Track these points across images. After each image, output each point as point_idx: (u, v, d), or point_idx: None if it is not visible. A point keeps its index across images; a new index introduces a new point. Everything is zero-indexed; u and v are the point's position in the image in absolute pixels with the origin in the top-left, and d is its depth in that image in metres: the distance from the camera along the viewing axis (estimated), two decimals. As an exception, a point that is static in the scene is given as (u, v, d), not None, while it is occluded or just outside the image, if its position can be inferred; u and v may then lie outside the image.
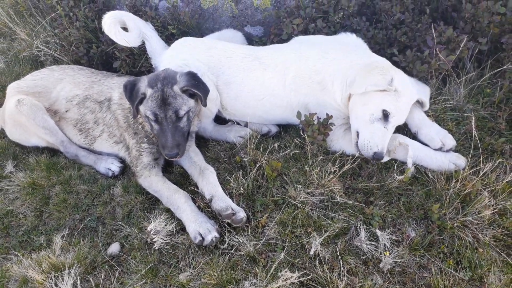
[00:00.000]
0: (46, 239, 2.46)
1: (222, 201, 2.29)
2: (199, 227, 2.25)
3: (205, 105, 2.48)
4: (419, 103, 2.50)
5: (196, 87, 2.44)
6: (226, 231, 2.28)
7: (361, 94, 2.37)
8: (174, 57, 2.71)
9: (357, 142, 2.40)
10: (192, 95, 2.48)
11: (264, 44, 2.98)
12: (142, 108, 2.47)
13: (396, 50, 2.72)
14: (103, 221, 2.53)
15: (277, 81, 2.58)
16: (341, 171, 2.36)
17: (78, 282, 2.15)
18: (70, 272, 2.19)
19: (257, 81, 2.61)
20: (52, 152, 2.90)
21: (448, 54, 2.49)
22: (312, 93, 2.54)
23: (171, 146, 2.41)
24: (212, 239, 2.21)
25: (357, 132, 2.40)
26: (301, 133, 2.58)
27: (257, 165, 2.44)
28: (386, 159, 2.44)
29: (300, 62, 2.53)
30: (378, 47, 2.77)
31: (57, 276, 2.18)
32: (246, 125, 2.85)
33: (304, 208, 2.30)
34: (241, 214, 2.26)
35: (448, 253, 2.13)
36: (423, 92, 2.51)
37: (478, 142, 2.36)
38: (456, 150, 2.45)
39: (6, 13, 3.53)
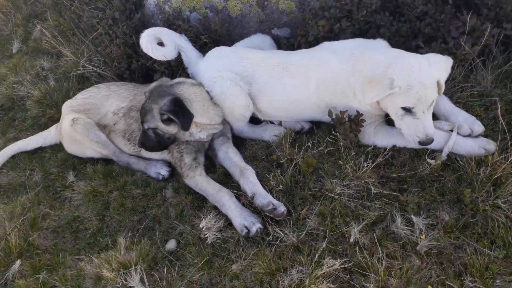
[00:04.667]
0: (111, 240, 2.75)
1: (263, 198, 2.50)
2: (244, 221, 2.48)
3: (185, 129, 2.71)
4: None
5: (175, 114, 2.65)
6: (270, 224, 2.49)
7: (381, 100, 2.49)
8: (209, 68, 2.92)
9: None
10: (170, 119, 2.70)
11: (292, 45, 3.13)
12: None
13: (421, 41, 2.81)
14: (158, 221, 2.80)
15: (302, 89, 2.76)
16: (374, 164, 2.51)
17: (145, 277, 2.43)
18: (136, 268, 2.46)
19: (286, 88, 2.80)
20: (106, 161, 3.19)
21: (473, 44, 2.56)
22: (337, 100, 2.69)
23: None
24: (257, 230, 2.44)
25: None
26: (333, 131, 2.74)
27: (294, 163, 2.64)
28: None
29: (321, 72, 2.68)
30: (403, 40, 2.87)
31: (126, 273, 2.46)
32: (280, 123, 3.03)
33: (341, 200, 2.48)
34: (282, 208, 2.46)
35: (482, 234, 2.25)
36: (443, 67, 2.47)
37: (505, 127, 2.45)
38: (485, 135, 2.54)
39: (51, 34, 3.83)
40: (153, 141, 2.78)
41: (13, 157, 3.40)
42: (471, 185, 2.39)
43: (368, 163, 2.53)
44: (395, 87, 2.34)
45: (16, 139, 3.56)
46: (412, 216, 2.34)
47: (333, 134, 2.69)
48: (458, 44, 2.60)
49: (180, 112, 2.67)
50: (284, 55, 2.89)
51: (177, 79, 2.86)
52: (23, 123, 3.69)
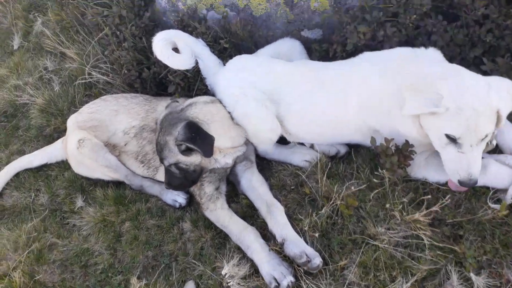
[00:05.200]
0: (123, 279, 2.50)
1: (295, 246, 2.16)
2: (273, 270, 2.17)
3: (208, 156, 2.33)
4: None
5: (193, 141, 2.29)
6: (303, 276, 2.17)
7: (421, 118, 2.06)
8: (230, 84, 2.52)
9: None
10: (190, 148, 2.33)
11: (325, 51, 2.67)
12: None
13: (481, 52, 2.33)
14: (175, 258, 2.51)
15: (340, 108, 2.33)
16: (427, 211, 2.12)
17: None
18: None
19: (319, 108, 2.38)
20: (117, 183, 2.88)
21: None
22: (382, 121, 2.26)
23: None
24: (288, 284, 2.12)
25: None
26: (376, 161, 2.35)
27: (331, 201, 2.27)
28: None
29: (362, 89, 2.25)
30: (458, 51, 2.38)
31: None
32: (312, 146, 2.64)
33: (387, 249, 2.12)
34: (317, 260, 2.13)
35: (556, 300, 1.90)
36: (507, 95, 1.98)
37: None
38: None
39: (52, 31, 3.45)
40: (180, 178, 2.42)
41: (17, 174, 3.11)
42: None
43: (418, 206, 2.14)
44: (442, 106, 1.91)
45: (20, 152, 3.27)
46: (471, 274, 1.99)
47: (376, 167, 2.29)
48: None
49: (198, 138, 2.30)
50: (318, 68, 2.44)
51: (188, 101, 2.47)
52: (26, 133, 3.38)
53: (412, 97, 2.01)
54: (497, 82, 2.00)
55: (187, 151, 2.34)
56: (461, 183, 2.00)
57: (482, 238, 2.11)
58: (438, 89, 1.94)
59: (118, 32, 2.96)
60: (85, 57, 3.19)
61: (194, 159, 2.39)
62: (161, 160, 2.42)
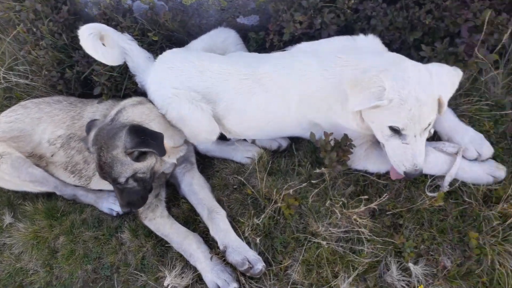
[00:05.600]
0: (62, 296, 2.37)
1: (237, 253, 2.10)
2: (217, 278, 2.11)
3: (163, 154, 2.15)
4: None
5: (145, 144, 2.10)
6: (247, 277, 2.13)
7: (363, 112, 2.02)
8: (161, 84, 2.34)
9: None
10: (143, 153, 2.16)
11: (262, 39, 2.54)
12: None
13: (421, 34, 2.29)
14: (116, 269, 2.41)
15: (281, 106, 2.23)
16: (366, 207, 2.11)
17: None
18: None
19: (260, 106, 2.26)
20: (48, 194, 2.68)
21: (488, 47, 2.05)
22: (323, 116, 2.19)
23: (121, 205, 2.22)
24: None
25: None
26: (317, 154, 2.30)
27: (272, 202, 2.21)
28: None
29: (302, 85, 2.15)
30: (398, 34, 2.32)
31: None
32: (253, 141, 2.55)
33: (329, 245, 2.11)
34: (259, 266, 2.08)
35: (487, 283, 1.96)
36: (448, 81, 1.97)
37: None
38: (495, 156, 2.15)
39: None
40: (138, 191, 2.21)
41: None
42: (476, 222, 2.05)
43: (360, 199, 2.12)
44: (385, 98, 1.86)
45: None
46: (410, 264, 2.02)
47: (317, 160, 2.25)
48: (469, 47, 2.08)
49: (147, 139, 2.11)
50: (254, 63, 2.30)
51: (114, 110, 2.25)
52: None
53: (355, 93, 1.94)
54: (436, 69, 1.96)
55: (140, 157, 2.16)
56: (406, 174, 1.98)
57: (421, 226, 2.13)
58: (380, 82, 1.88)
59: (34, 29, 2.67)
60: (0, 57, 2.87)
61: (149, 163, 2.21)
62: (114, 181, 2.15)
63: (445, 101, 1.94)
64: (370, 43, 2.18)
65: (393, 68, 1.93)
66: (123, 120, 2.18)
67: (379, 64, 1.98)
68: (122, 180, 2.15)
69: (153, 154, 2.19)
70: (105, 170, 2.13)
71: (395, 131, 1.95)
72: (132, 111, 2.24)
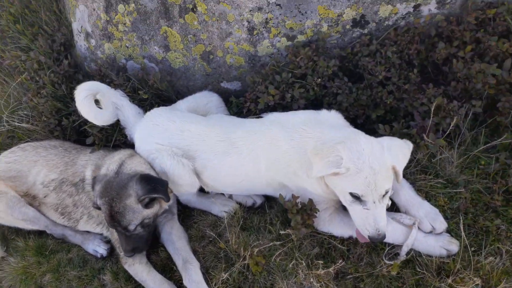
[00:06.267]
0: (45, 333, 2.56)
1: (206, 308, 2.30)
2: (187, 329, 2.30)
3: (168, 200, 2.38)
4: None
5: (155, 191, 2.31)
6: (215, 328, 2.32)
7: (326, 178, 2.23)
8: (146, 140, 2.57)
9: None
10: (152, 199, 2.38)
11: (242, 106, 2.78)
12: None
13: (383, 112, 2.53)
14: (98, 310, 2.59)
15: (252, 167, 2.45)
16: (329, 269, 2.30)
17: None
18: None
19: (233, 166, 2.48)
20: (40, 232, 2.89)
21: (438, 129, 2.29)
22: (289, 180, 2.41)
23: (126, 251, 2.41)
24: None
25: None
26: (287, 214, 2.51)
27: (241, 259, 2.42)
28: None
29: (270, 151, 2.38)
30: (362, 111, 2.56)
31: None
32: (230, 196, 2.77)
33: (292, 302, 2.30)
34: None
35: None
36: (399, 153, 2.17)
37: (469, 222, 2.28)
38: (449, 230, 2.33)
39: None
40: (144, 236, 2.42)
41: None
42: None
43: (321, 264, 2.32)
44: (342, 167, 2.07)
45: None
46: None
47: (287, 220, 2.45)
48: (421, 130, 2.32)
49: (156, 186, 2.34)
50: (229, 127, 2.54)
51: (114, 163, 2.46)
52: None
53: (316, 161, 2.16)
54: (388, 142, 2.18)
55: (149, 204, 2.37)
56: (370, 238, 2.14)
57: (380, 290, 2.31)
58: (337, 152, 2.10)
59: (37, 78, 2.92)
60: (6, 99, 3.11)
61: (155, 209, 2.43)
62: (125, 229, 2.32)
63: (399, 170, 2.15)
64: (332, 117, 2.41)
65: (348, 141, 2.14)
66: (128, 171, 2.40)
67: (338, 137, 2.20)
68: (132, 227, 2.34)
69: (158, 201, 2.40)
70: (116, 219, 2.31)
71: (356, 197, 2.13)
72: (132, 163, 2.47)
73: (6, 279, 2.77)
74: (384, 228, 2.14)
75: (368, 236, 2.16)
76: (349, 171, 2.08)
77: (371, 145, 2.12)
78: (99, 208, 2.37)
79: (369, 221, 2.13)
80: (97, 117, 2.65)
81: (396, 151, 2.15)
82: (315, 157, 2.17)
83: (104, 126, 2.73)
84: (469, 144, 2.49)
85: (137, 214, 2.33)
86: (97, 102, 2.73)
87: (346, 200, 2.20)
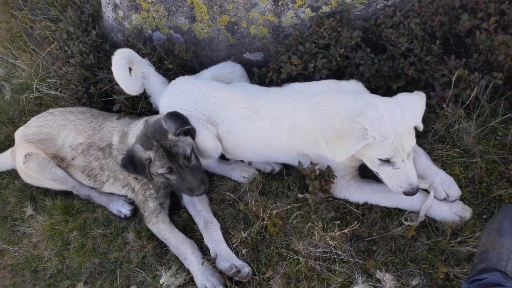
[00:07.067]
0: (70, 284, 2.68)
1: (225, 261, 2.40)
2: (206, 281, 2.40)
3: (195, 133, 2.54)
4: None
5: (185, 124, 2.47)
6: (233, 283, 2.42)
7: None
8: (173, 106, 2.66)
9: None
10: (185, 133, 2.50)
11: (265, 76, 2.85)
12: (152, 169, 2.49)
13: (404, 83, 2.57)
14: (120, 265, 2.71)
15: (274, 134, 2.53)
16: (342, 231, 2.37)
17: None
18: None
19: (255, 132, 2.56)
20: (66, 193, 3.03)
21: (457, 100, 2.34)
22: (309, 148, 2.49)
23: (197, 187, 2.49)
24: None
25: None
26: (304, 181, 2.59)
27: (260, 220, 2.51)
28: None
29: (293, 118, 2.45)
30: (383, 82, 2.61)
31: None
32: (250, 163, 2.85)
33: (308, 262, 2.38)
34: (246, 269, 2.37)
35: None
36: (417, 108, 2.24)
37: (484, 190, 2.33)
38: (463, 198, 2.39)
39: (1, 42, 3.47)
40: (202, 169, 2.58)
41: (-33, 181, 3.21)
42: (444, 254, 2.28)
43: (337, 224, 2.40)
44: (369, 137, 2.13)
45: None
46: (377, 271, 2.25)
47: (305, 186, 2.53)
48: (440, 100, 2.37)
49: (185, 119, 2.50)
50: (253, 94, 2.62)
51: (140, 121, 2.61)
52: (-20, 139, 3.44)
53: (342, 144, 2.21)
54: (404, 100, 2.23)
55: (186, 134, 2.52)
56: (406, 193, 2.22)
57: (393, 252, 2.37)
58: (359, 125, 2.16)
59: (66, 48, 3.03)
60: (35, 68, 3.24)
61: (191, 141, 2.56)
62: (185, 157, 2.45)
63: (420, 125, 2.22)
64: (352, 86, 2.48)
65: (367, 110, 2.19)
66: (153, 119, 2.53)
67: (354, 107, 2.24)
68: (188, 152, 2.47)
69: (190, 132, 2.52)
70: (174, 152, 2.43)
71: (384, 161, 2.21)
72: (155, 116, 2.61)
73: (34, 235, 2.91)
74: (416, 181, 2.21)
75: (403, 192, 2.23)
76: (375, 139, 2.14)
77: (389, 110, 2.17)
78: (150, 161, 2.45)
79: (401, 178, 2.20)
80: (130, 86, 2.73)
81: (413, 108, 2.21)
82: (338, 141, 2.23)
83: (132, 95, 2.81)
84: (488, 116, 2.53)
85: (184, 142, 2.48)
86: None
87: (375, 165, 2.26)
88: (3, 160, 3.16)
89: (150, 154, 2.43)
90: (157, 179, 2.63)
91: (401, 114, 2.15)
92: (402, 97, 2.26)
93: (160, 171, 2.46)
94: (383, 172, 2.26)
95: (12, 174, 3.19)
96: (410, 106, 2.20)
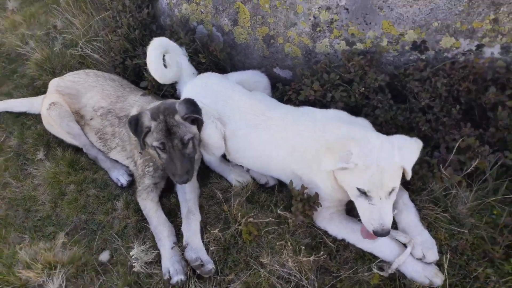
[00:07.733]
0: (54, 231, 2.86)
1: (194, 252, 2.48)
2: (171, 266, 2.48)
3: (202, 123, 2.63)
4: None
5: (196, 113, 2.57)
6: (194, 279, 2.49)
7: (336, 173, 2.32)
8: (193, 95, 2.80)
9: None
10: (193, 121, 2.61)
11: (286, 94, 2.94)
12: (148, 140, 2.63)
13: (414, 136, 2.57)
14: (102, 228, 2.86)
15: (274, 147, 2.61)
16: (315, 257, 2.40)
17: (64, 285, 2.53)
18: (61, 271, 2.57)
19: (257, 140, 2.66)
20: (77, 149, 3.23)
21: (458, 168, 2.32)
22: (303, 171, 2.54)
23: (181, 174, 2.56)
24: (177, 281, 2.42)
25: None
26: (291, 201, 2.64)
27: (237, 223, 2.58)
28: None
29: (294, 137, 2.52)
30: (395, 131, 2.63)
31: (49, 274, 2.57)
32: (248, 170, 2.94)
33: (270, 278, 2.42)
34: (210, 266, 2.44)
35: None
36: (408, 152, 2.22)
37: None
38: (439, 263, 2.36)
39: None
40: (193, 160, 2.66)
41: (-3, 114, 3.49)
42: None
43: (311, 251, 2.43)
44: (351, 162, 2.17)
45: (8, 94, 3.63)
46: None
47: (290, 207, 2.58)
48: (441, 162, 2.36)
49: (198, 109, 2.61)
50: (268, 106, 2.72)
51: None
52: (20, 80, 3.75)
53: (328, 155, 2.28)
54: (399, 141, 2.23)
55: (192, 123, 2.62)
56: (375, 232, 2.21)
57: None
58: (348, 147, 2.20)
59: (118, 18, 3.26)
60: (87, 29, 3.50)
61: (197, 132, 2.68)
62: (181, 141, 2.55)
63: (409, 169, 2.21)
64: (360, 121, 2.53)
65: (360, 138, 2.24)
66: (173, 100, 2.67)
67: (349, 133, 2.30)
68: (186, 138, 2.57)
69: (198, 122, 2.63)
70: (173, 131, 2.54)
71: (362, 192, 2.22)
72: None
73: (38, 178, 3.13)
74: (389, 223, 2.19)
75: (373, 230, 2.21)
76: (357, 167, 2.16)
77: (380, 143, 2.20)
78: (149, 131, 2.57)
79: (374, 215, 2.19)
80: (162, 75, 2.92)
81: (406, 150, 2.21)
82: (327, 152, 2.29)
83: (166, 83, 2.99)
84: (489, 191, 2.48)
85: (188, 128, 2.58)
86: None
87: (353, 194, 2.28)
88: (34, 103, 3.43)
89: (152, 124, 2.57)
90: (151, 152, 2.75)
91: (391, 152, 2.16)
92: (399, 138, 2.28)
93: (155, 143, 2.58)
94: (359, 204, 2.26)
95: (38, 118, 3.44)
96: (404, 148, 2.20)
